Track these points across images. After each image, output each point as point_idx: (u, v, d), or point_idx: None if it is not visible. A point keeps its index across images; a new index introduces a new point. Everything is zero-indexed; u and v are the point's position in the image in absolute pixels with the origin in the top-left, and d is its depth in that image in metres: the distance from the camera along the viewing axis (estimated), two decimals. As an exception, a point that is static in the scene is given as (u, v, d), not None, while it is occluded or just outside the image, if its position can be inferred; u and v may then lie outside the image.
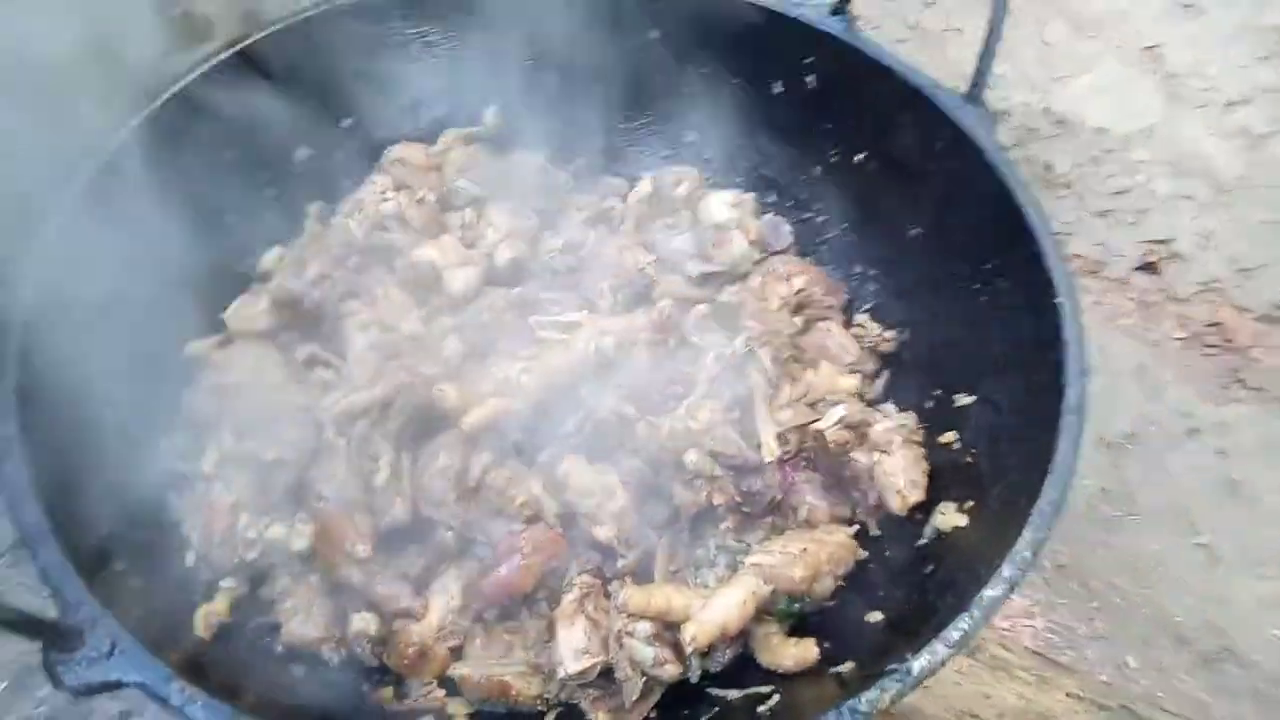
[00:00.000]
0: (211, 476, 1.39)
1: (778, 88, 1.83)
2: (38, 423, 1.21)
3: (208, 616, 1.25)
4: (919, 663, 1.07)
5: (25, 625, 0.98)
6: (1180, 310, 2.62)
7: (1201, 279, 2.55)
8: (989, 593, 1.12)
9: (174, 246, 1.58)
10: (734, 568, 1.44)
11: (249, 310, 1.63)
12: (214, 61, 1.60)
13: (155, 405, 1.49)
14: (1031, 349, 1.40)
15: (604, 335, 1.60)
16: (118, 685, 1.00)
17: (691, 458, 1.39)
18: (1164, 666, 2.31)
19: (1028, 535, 1.16)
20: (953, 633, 1.09)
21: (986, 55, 1.57)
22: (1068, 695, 1.94)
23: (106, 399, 1.38)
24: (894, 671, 1.07)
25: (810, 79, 1.78)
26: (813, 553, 1.33)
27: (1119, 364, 2.56)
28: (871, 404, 1.64)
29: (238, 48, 1.62)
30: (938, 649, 1.08)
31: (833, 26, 1.71)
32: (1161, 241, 2.57)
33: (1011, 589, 1.13)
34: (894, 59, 1.66)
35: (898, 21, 2.81)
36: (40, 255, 1.34)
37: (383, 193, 1.74)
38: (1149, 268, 2.63)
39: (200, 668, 1.17)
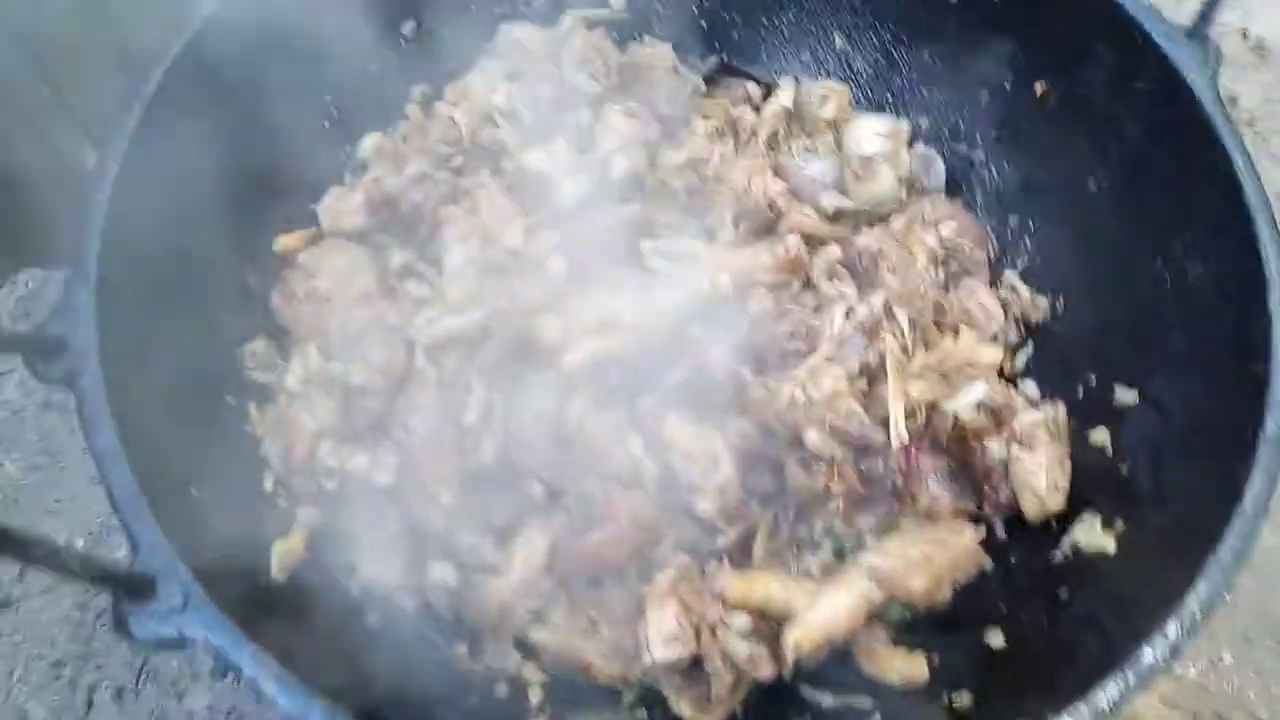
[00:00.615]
0: (295, 395, 1.29)
1: (951, -8, 1.57)
2: (114, 331, 1.11)
3: (284, 557, 1.18)
4: (1060, 723, 0.94)
5: (93, 575, 0.91)
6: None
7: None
8: (1148, 654, 0.98)
9: (269, 130, 1.45)
10: (840, 553, 1.32)
11: (342, 205, 1.50)
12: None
13: (242, 305, 1.40)
14: (1223, 354, 1.21)
15: (722, 271, 1.44)
16: (186, 644, 0.94)
17: (813, 438, 1.25)
18: (1263, 669, 2.18)
19: (1201, 590, 1.01)
20: (1100, 699, 0.95)
21: (1221, -17, 1.30)
22: (1158, 699, 1.83)
23: (188, 298, 1.29)
24: (1027, 729, 0.95)
25: (994, -15, 1.52)
26: (936, 559, 1.20)
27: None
28: (1011, 380, 1.47)
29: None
30: (1089, 707, 0.95)
31: (1031, -71, 1.43)
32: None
33: (1174, 654, 0.98)
34: (1100, -27, 1.39)
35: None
36: (121, 151, 1.21)
37: (495, 83, 1.56)
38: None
39: (273, 609, 1.12)
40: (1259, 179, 1.24)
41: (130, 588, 0.95)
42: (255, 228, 1.46)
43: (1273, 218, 1.21)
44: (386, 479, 1.28)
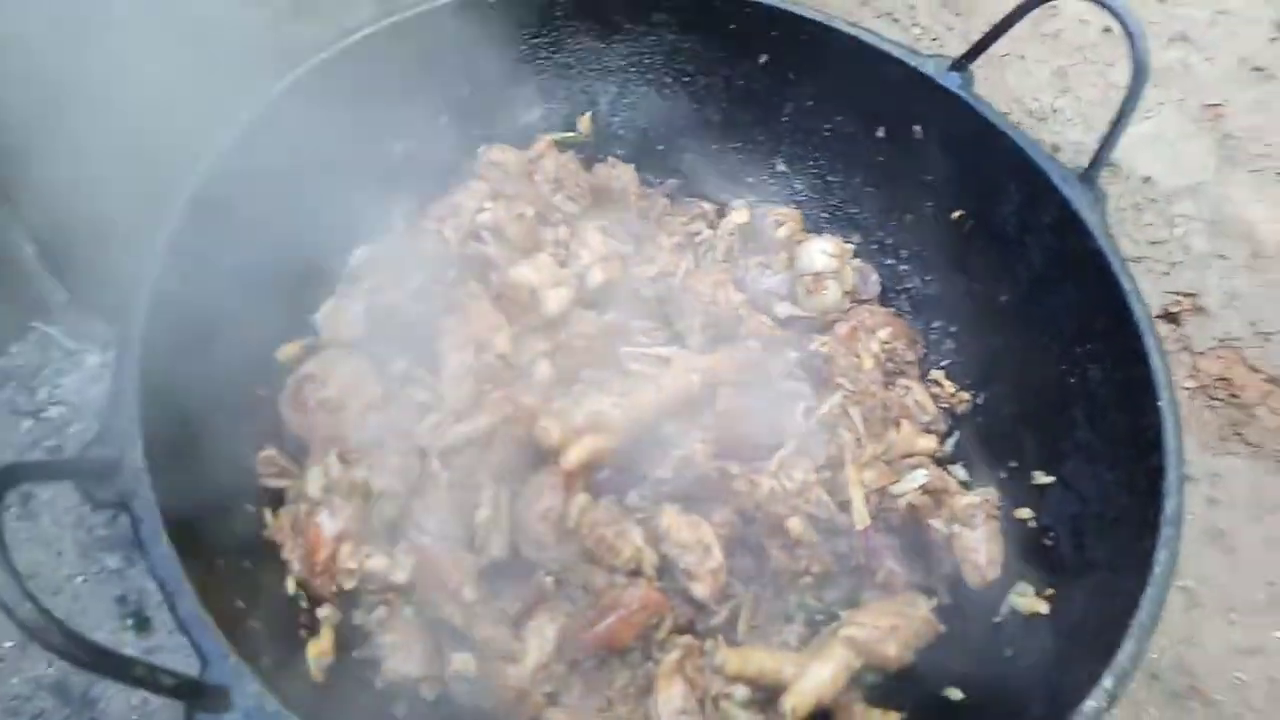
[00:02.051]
0: (317, 501, 1.37)
1: (881, 132, 1.82)
2: (155, 454, 1.17)
3: (321, 657, 1.25)
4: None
5: (174, 689, 0.97)
6: (1194, 362, 2.71)
7: (1220, 335, 2.64)
8: (1090, 704, 1.18)
9: (265, 242, 1.54)
10: (811, 625, 1.49)
11: (342, 315, 1.59)
12: (342, 45, 1.53)
13: (251, 414, 1.47)
14: (1125, 445, 1.45)
15: (693, 372, 1.61)
16: (264, 748, 1.00)
17: (795, 525, 1.42)
18: (1136, 700, 2.47)
19: (1129, 648, 1.22)
20: (1061, 747, 1.14)
21: (1111, 136, 1.59)
22: None
23: (207, 413, 1.36)
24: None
25: (918, 129, 1.78)
26: (902, 631, 1.38)
27: (1133, 408, 2.65)
28: (941, 464, 1.69)
29: (364, 32, 1.55)
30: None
31: (951, 82, 1.69)
32: (1188, 294, 2.65)
33: (1111, 704, 1.19)
34: (1010, 125, 1.66)
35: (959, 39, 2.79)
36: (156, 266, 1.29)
37: (480, 201, 1.69)
38: (1171, 318, 2.71)
39: (318, 705, 1.19)
40: (1144, 301, 1.52)
41: (205, 698, 1.01)
42: (260, 340, 1.54)
43: (1156, 334, 1.48)
44: (404, 577, 1.36)
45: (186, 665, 1.03)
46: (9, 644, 2.17)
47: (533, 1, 1.75)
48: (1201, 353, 2.71)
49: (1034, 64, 2.70)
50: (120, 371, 1.19)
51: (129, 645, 2.20)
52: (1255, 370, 2.64)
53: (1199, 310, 2.67)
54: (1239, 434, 2.73)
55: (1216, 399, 2.75)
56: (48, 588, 2.24)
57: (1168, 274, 2.68)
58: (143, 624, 2.22)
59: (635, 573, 1.40)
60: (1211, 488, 2.70)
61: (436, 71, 1.69)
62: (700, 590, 1.40)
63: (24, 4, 1.55)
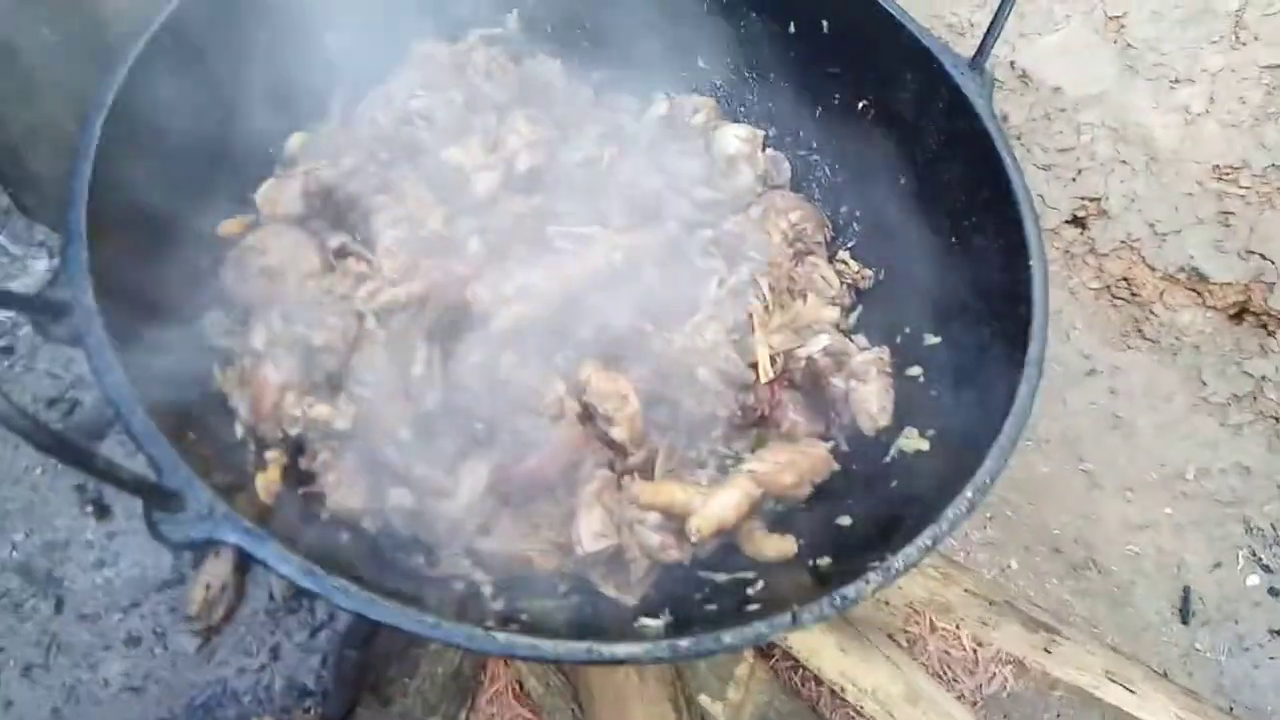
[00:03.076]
0: (261, 355, 1.48)
1: (793, 27, 1.94)
2: (107, 300, 1.28)
3: (268, 485, 1.38)
4: (897, 561, 1.29)
5: (133, 485, 1.09)
6: (1099, 264, 2.90)
7: (1121, 237, 2.82)
8: (953, 510, 1.35)
9: (204, 125, 1.63)
10: (722, 469, 1.65)
11: (280, 194, 1.69)
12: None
13: (194, 281, 1.57)
14: (1000, 302, 1.61)
15: (615, 250, 1.74)
16: (218, 543, 1.13)
17: (703, 374, 1.57)
18: (1039, 571, 2.69)
19: (989, 464, 1.38)
20: (925, 538, 1.31)
21: (995, 27, 1.72)
22: (965, 590, 2.27)
23: (155, 271, 1.46)
24: (875, 568, 1.29)
25: (826, 23, 1.90)
26: (799, 463, 1.54)
27: (1040, 307, 2.84)
28: (845, 334, 1.84)
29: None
30: (912, 551, 1.30)
31: (858, -20, 1.82)
32: (1093, 199, 2.82)
33: (971, 509, 1.36)
34: (908, 18, 1.79)
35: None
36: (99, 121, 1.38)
37: (412, 90, 1.79)
38: (1078, 222, 2.89)
39: (268, 526, 1.31)
40: (1023, 175, 1.67)
41: (162, 498, 1.14)
42: (202, 212, 1.63)
43: (1031, 203, 1.64)
44: (346, 424, 1.49)
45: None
46: (-27, 531, 2.27)
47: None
48: (1105, 254, 2.90)
49: (951, -22, 2.83)
50: (69, 220, 1.28)
51: (89, 530, 2.32)
52: (1153, 269, 2.83)
53: (1103, 214, 2.85)
54: (1139, 330, 2.93)
55: (1118, 298, 2.95)
56: (7, 477, 2.33)
57: (1075, 180, 2.85)
58: (103, 511, 2.33)
59: (557, 417, 1.54)
60: (1112, 379, 2.92)
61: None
62: (619, 433, 1.55)
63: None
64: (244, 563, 2.26)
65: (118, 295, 1.29)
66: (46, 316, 1.24)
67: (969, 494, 1.37)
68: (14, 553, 2.25)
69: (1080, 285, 2.97)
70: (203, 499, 1.15)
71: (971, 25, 2.87)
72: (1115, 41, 2.70)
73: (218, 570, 2.22)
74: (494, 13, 1.97)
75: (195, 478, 1.16)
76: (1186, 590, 2.62)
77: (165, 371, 1.31)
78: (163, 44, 1.50)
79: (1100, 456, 2.82)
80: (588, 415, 1.56)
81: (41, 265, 2.61)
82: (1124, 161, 2.76)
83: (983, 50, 1.74)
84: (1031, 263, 1.57)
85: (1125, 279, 2.88)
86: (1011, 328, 1.55)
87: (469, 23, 1.95)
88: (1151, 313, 2.87)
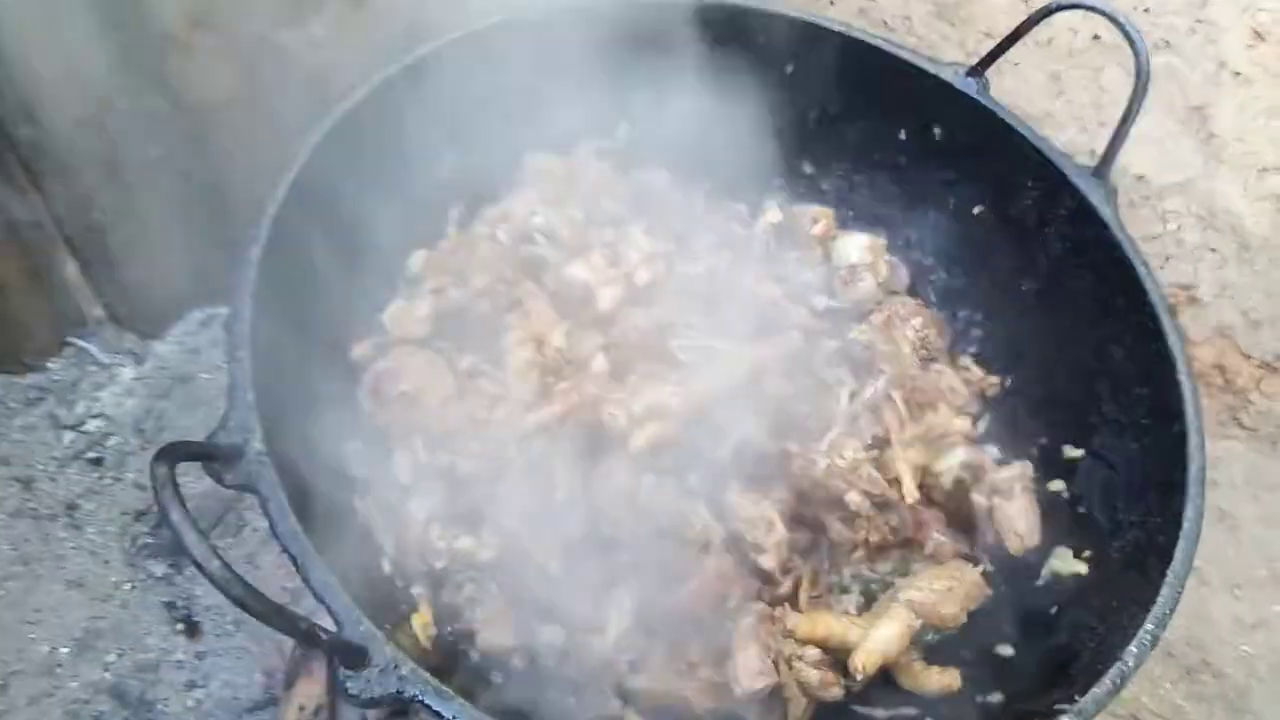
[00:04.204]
0: (407, 487, 1.45)
1: (903, 134, 1.94)
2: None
3: (425, 629, 1.33)
4: (1088, 703, 1.22)
5: (329, 646, 1.05)
6: (1192, 351, 2.85)
7: (1215, 325, 2.78)
8: (1136, 645, 1.28)
9: (335, 245, 1.63)
10: (868, 595, 1.59)
11: (409, 315, 1.68)
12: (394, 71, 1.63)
13: (331, 407, 1.55)
14: (1148, 416, 1.57)
15: (739, 362, 1.71)
16: (407, 699, 1.08)
17: (854, 498, 1.52)
18: (1153, 676, 2.59)
19: (1166, 593, 1.33)
20: (1112, 677, 1.24)
21: (1119, 136, 1.72)
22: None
23: (300, 407, 1.44)
24: (1064, 710, 1.22)
25: (937, 130, 1.90)
26: (956, 591, 1.49)
27: (1134, 396, 2.79)
28: (976, 444, 1.80)
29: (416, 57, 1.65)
30: (1100, 693, 1.23)
31: (969, 86, 1.82)
32: (1184, 287, 2.79)
33: (1154, 642, 1.29)
34: (1026, 127, 1.79)
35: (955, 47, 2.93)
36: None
37: (531, 205, 1.79)
38: (1169, 310, 2.85)
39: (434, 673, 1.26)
40: (1157, 283, 1.64)
41: (347, 655, 1.09)
42: (332, 340, 1.62)
43: (1170, 312, 1.61)
44: (490, 555, 1.45)
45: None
46: (65, 650, 2.23)
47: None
48: (1198, 343, 2.86)
49: (1029, 70, 2.85)
50: (233, 363, 1.26)
51: (180, 650, 2.26)
52: (1248, 357, 2.78)
53: (1194, 301, 2.81)
54: (1235, 419, 2.87)
55: (1213, 386, 2.89)
56: (98, 595, 2.29)
57: (1162, 268, 2.82)
58: (192, 628, 2.29)
59: (705, 547, 1.49)
60: (1213, 471, 2.84)
61: (490, 83, 1.79)
62: (767, 561, 1.50)
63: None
64: (335, 684, 2.19)
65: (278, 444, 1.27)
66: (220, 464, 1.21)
67: (1150, 626, 1.30)
68: (106, 674, 2.20)
69: (1171, 373, 2.92)
70: (386, 655, 1.10)
71: (1048, 115, 2.88)
72: (1198, 131, 2.69)
73: (310, 691, 2.16)
74: (604, 125, 1.98)
75: (377, 631, 1.12)
76: (1309, 694, 2.51)
77: (327, 514, 1.28)
78: (301, 187, 1.50)
79: (1205, 552, 2.72)
80: (734, 543, 1.52)
81: (129, 374, 2.61)
82: (1213, 250, 2.73)
83: (1106, 158, 1.74)
84: (1180, 376, 1.53)
85: (1219, 366, 2.83)
86: (1162, 442, 1.51)
87: (579, 134, 1.96)
88: (1248, 400, 2.82)
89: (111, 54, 1.98)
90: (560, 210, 1.80)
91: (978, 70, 1.82)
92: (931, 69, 1.84)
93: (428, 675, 1.10)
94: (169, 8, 1.95)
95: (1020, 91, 2.86)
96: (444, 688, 1.09)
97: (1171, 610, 1.33)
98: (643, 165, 1.99)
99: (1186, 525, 1.40)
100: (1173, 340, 1.57)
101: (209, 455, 1.17)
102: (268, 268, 1.39)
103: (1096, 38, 2.90)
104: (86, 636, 2.21)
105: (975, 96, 1.81)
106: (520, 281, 1.74)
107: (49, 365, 2.57)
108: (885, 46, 1.88)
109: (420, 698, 1.08)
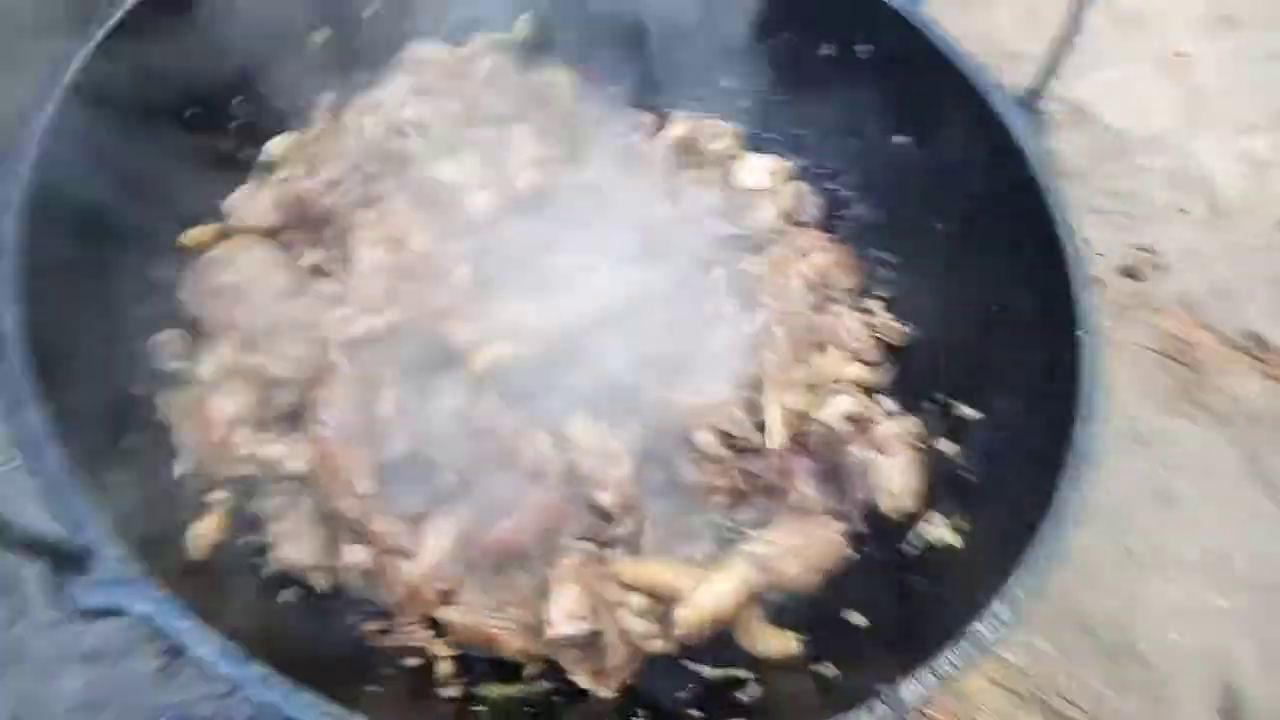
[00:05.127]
0: (210, 385, 1.33)
1: (827, 49, 1.76)
2: (36, 316, 1.12)
3: (201, 538, 1.22)
4: (907, 693, 1.09)
5: (31, 546, 0.94)
6: (1152, 320, 2.69)
7: (1178, 292, 2.61)
8: (981, 628, 1.15)
9: (176, 126, 1.48)
10: (719, 543, 1.47)
11: (252, 203, 1.53)
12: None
13: (148, 294, 1.41)
14: (1046, 378, 1.42)
15: (619, 285, 1.57)
16: (124, 613, 0.97)
17: (704, 438, 1.39)
18: (1072, 656, 2.47)
19: (1024, 577, 1.18)
20: (944, 665, 1.12)
21: (1051, 64, 1.54)
22: (988, 680, 2.06)
23: (96, 288, 1.31)
24: (880, 695, 1.09)
25: (863, 49, 1.72)
26: (807, 549, 1.36)
27: (1083, 362, 2.64)
28: (870, 393, 1.65)
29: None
30: (927, 679, 1.11)
31: (901, 2, 1.64)
32: (1148, 250, 2.61)
33: (1001, 631, 1.16)
34: (957, 48, 1.61)
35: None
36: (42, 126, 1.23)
37: (405, 96, 1.63)
38: (1131, 272, 2.68)
39: (194, 585, 1.15)
40: (1074, 232, 1.47)
41: (68, 560, 0.98)
42: (159, 220, 1.48)
43: (1084, 266, 1.45)
44: (301, 466, 1.33)
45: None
46: None
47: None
48: (1160, 310, 2.69)
49: (1002, 7, 2.64)
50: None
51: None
52: (1212, 330, 2.62)
53: (1159, 266, 2.64)
54: (1189, 395, 2.71)
55: (1172, 360, 2.73)
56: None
57: (1129, 228, 2.64)
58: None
59: (537, 477, 1.37)
60: (1162, 448, 2.69)
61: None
62: (605, 498, 1.37)
63: None
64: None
65: (47, 318, 1.14)
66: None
67: (1000, 611, 1.16)
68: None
69: (1130, 342, 2.76)
70: (111, 558, 0.99)
71: (1021, 53, 2.68)
72: (1180, 82, 2.49)
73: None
74: (504, 14, 1.80)
75: (111, 534, 1.00)
76: (1231, 690, 2.39)
77: (94, 395, 1.16)
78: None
79: (1142, 530, 2.59)
80: (572, 475, 1.39)
81: None
82: (1183, 210, 2.55)
83: (1037, 88, 1.56)
84: (1079, 333, 1.38)
85: (1178, 338, 2.66)
86: (1057, 410, 1.35)
87: (474, 25, 1.79)
88: (1206, 378, 2.65)
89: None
90: (435, 103, 1.64)
91: (911, -18, 1.64)
92: (861, -23, 1.65)
93: (159, 587, 0.98)
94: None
95: (991, 30, 2.66)
96: (169, 597, 0.97)
97: (1029, 596, 1.20)
98: (546, 64, 1.81)
99: (1055, 505, 1.25)
100: (1079, 294, 1.41)
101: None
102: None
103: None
104: None
105: (906, 12, 1.63)
106: (381, 177, 1.58)
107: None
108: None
109: (140, 610, 0.97)
